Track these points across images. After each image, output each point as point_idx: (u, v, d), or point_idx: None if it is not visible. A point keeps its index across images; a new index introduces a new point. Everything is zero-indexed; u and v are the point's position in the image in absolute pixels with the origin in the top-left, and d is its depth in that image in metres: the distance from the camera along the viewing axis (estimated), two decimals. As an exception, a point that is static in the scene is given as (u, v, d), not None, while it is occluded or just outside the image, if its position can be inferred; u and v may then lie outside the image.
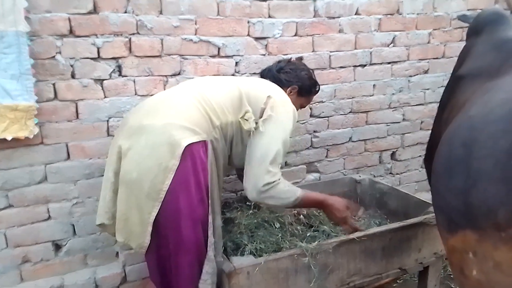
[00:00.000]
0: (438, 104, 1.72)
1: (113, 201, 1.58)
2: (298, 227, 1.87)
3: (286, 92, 1.85)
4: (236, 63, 2.19)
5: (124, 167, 1.52)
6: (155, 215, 1.46)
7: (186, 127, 1.49)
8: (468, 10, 2.74)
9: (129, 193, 1.50)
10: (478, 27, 1.56)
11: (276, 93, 1.71)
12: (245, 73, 2.22)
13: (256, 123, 1.64)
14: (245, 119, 1.62)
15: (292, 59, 2.04)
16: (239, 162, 1.74)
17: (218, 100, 1.61)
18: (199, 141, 1.51)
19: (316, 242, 1.71)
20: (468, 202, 1.02)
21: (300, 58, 2.12)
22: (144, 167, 1.47)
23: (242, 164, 1.70)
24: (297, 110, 1.84)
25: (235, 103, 1.63)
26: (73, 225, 2.01)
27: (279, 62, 2.00)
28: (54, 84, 1.84)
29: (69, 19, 1.80)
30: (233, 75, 2.19)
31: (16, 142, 1.79)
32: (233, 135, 1.65)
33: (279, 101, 1.68)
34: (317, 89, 2.04)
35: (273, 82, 1.85)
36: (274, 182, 1.59)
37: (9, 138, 1.74)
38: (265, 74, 1.97)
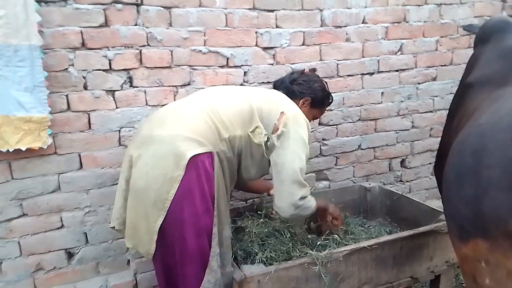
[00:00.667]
0: (447, 112, 1.72)
1: (123, 207, 1.63)
2: (309, 236, 1.87)
3: (298, 103, 1.86)
4: (245, 72, 2.22)
5: (133, 175, 1.56)
6: (161, 223, 1.49)
7: (192, 139, 1.52)
8: (475, 17, 2.75)
9: (138, 201, 1.54)
10: (485, 36, 1.56)
11: (289, 108, 1.70)
12: (253, 83, 2.24)
13: (268, 138, 1.66)
14: (255, 134, 1.65)
15: (305, 71, 2.02)
16: (247, 175, 1.76)
17: (227, 113, 1.62)
18: (205, 153, 1.52)
19: (327, 250, 1.71)
20: (479, 211, 1.02)
21: (314, 70, 2.10)
22: (151, 177, 1.50)
23: (250, 177, 1.78)
24: (309, 121, 1.86)
25: (245, 117, 1.64)
26: (86, 234, 2.04)
27: (292, 73, 1.99)
28: (67, 96, 1.89)
29: (81, 32, 1.85)
30: (241, 84, 2.22)
31: (30, 153, 1.83)
32: (242, 148, 1.66)
33: (293, 116, 1.68)
34: (330, 100, 2.03)
35: (286, 93, 1.85)
36: (307, 195, 1.70)
37: (23, 148, 1.78)
38: (278, 85, 1.96)
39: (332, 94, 2.32)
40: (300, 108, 1.83)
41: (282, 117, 1.65)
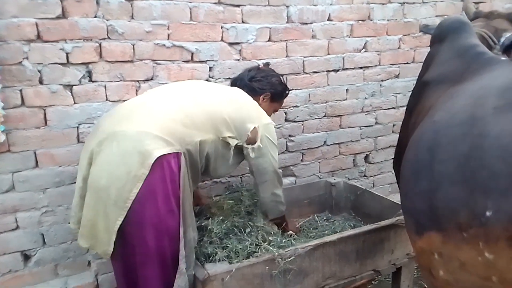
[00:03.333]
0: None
1: (79, 206, 1.57)
2: (271, 232, 1.89)
3: (259, 99, 1.91)
4: (210, 68, 2.19)
5: (93, 173, 1.50)
6: (120, 223, 1.45)
7: (159, 137, 1.48)
8: (437, 16, 2.83)
9: (97, 200, 1.49)
10: (441, 35, 1.60)
11: (259, 119, 1.78)
12: (219, 78, 2.22)
13: (243, 145, 1.75)
14: (228, 140, 1.70)
15: (260, 66, 2.07)
16: (215, 174, 1.83)
17: (201, 117, 1.62)
18: (171, 153, 1.50)
19: (293, 248, 1.72)
20: (433, 204, 1.05)
21: (268, 64, 2.16)
22: (113, 175, 1.45)
23: (218, 175, 1.96)
24: (270, 114, 1.92)
25: (218, 124, 1.66)
26: (43, 235, 1.96)
27: (249, 70, 2.01)
28: (21, 91, 1.80)
29: (36, 24, 1.77)
30: (207, 80, 2.19)
31: (-18, 150, 1.74)
32: (212, 151, 1.67)
33: (264, 127, 1.79)
34: (287, 92, 2.08)
35: (246, 91, 1.88)
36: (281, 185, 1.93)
37: (-27, 146, 1.69)
38: (238, 83, 1.97)
39: (298, 91, 2.35)
40: (261, 104, 1.90)
41: (256, 132, 1.76)
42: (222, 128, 1.67)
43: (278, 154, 2.47)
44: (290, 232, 2.02)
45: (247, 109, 1.78)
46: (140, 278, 1.52)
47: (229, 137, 1.69)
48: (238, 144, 1.73)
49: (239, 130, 1.71)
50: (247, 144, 1.75)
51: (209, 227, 1.81)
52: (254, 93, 1.90)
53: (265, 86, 1.94)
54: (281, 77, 2.06)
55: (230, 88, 1.93)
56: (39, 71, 1.81)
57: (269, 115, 1.93)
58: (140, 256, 1.49)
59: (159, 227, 1.48)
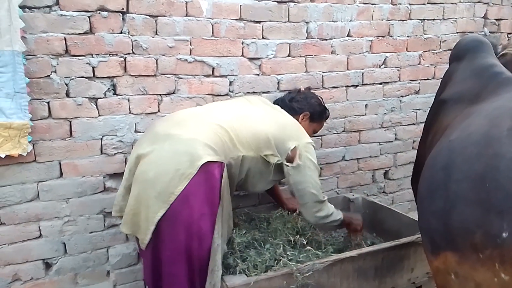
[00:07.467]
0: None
1: (122, 195, 1.71)
2: (288, 247, 1.88)
3: (299, 118, 2.04)
4: (230, 82, 2.23)
5: (142, 167, 1.61)
6: (161, 216, 1.53)
7: (209, 146, 1.62)
8: (457, 33, 2.81)
9: (142, 190, 1.59)
10: (459, 53, 1.60)
11: (299, 139, 1.86)
12: (238, 93, 2.25)
13: (282, 163, 1.83)
14: (269, 157, 1.80)
15: (301, 89, 2.20)
16: (253, 189, 1.95)
17: (247, 136, 1.75)
18: (217, 161, 1.62)
19: (311, 263, 1.71)
20: (448, 224, 1.04)
21: (309, 88, 2.28)
22: (162, 169, 1.56)
23: (256, 190, 1.99)
24: (310, 135, 2.02)
25: (261, 143, 1.79)
26: (64, 244, 2.00)
27: (289, 92, 2.19)
28: (48, 103, 1.87)
29: (65, 39, 1.84)
30: (227, 94, 2.23)
31: (9, 160, 1.80)
32: (251, 167, 1.80)
33: (304, 146, 1.86)
34: (327, 114, 2.21)
35: (286, 111, 2.00)
36: (329, 213, 1.93)
37: (2, 155, 1.76)
38: (279, 104, 2.08)
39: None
40: (301, 123, 2.01)
41: (296, 151, 1.83)
42: (264, 146, 1.78)
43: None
44: (308, 247, 1.98)
45: (289, 128, 1.89)
46: (165, 274, 1.60)
47: (269, 155, 1.79)
48: (278, 162, 1.82)
49: (280, 148, 1.81)
50: (287, 162, 1.83)
51: (231, 238, 1.82)
52: (293, 112, 2.02)
53: (304, 106, 2.08)
54: (321, 100, 2.18)
55: (274, 106, 2.03)
56: (66, 84, 1.88)
57: (310, 135, 2.01)
58: (169, 252, 1.57)
59: (192, 227, 1.56)
